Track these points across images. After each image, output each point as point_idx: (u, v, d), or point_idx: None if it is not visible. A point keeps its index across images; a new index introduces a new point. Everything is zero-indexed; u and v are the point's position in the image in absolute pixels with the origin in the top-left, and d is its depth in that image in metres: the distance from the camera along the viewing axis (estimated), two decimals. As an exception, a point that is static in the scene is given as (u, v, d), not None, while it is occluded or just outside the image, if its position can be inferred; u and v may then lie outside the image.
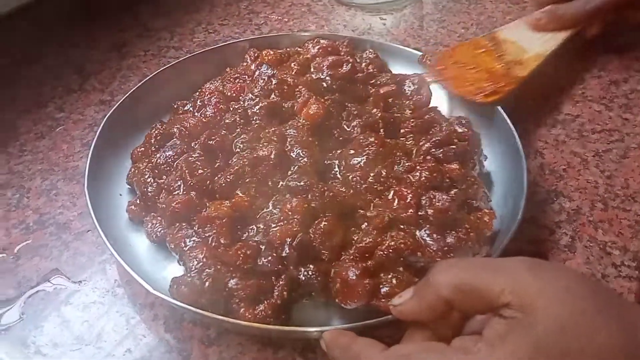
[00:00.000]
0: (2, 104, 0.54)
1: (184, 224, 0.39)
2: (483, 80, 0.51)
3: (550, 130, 0.50)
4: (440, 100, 0.49)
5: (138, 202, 0.42)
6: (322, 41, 0.52)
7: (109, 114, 0.46)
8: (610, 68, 0.56)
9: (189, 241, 0.38)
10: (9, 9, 0.63)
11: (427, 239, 0.37)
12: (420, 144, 0.43)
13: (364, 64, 0.51)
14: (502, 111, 0.46)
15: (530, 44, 0.53)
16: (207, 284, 0.35)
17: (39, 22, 0.63)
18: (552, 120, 0.51)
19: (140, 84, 0.49)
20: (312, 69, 0.49)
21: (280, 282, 0.36)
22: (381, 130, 0.44)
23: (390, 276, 0.36)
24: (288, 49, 0.53)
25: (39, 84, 0.56)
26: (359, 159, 0.41)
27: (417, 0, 0.66)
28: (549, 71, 0.52)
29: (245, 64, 0.52)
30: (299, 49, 0.53)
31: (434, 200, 0.38)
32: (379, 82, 0.49)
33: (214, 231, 0.37)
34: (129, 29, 0.63)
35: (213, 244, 0.37)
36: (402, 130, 0.45)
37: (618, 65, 0.57)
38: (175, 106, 0.49)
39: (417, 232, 0.37)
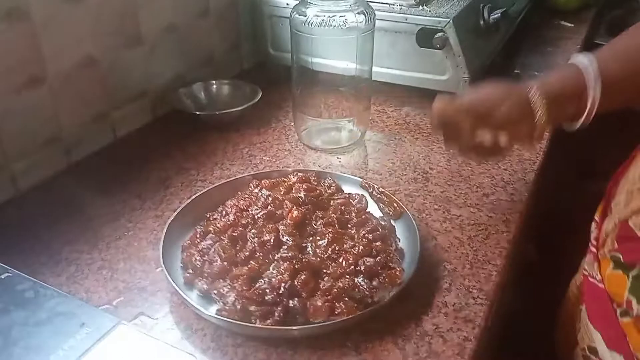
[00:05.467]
0: (93, 217, 0.82)
1: (221, 281, 0.66)
2: None
3: (442, 225, 0.80)
4: (372, 207, 0.79)
5: (190, 272, 0.69)
6: (299, 174, 0.83)
7: (167, 225, 0.74)
8: (482, 181, 0.88)
9: (226, 288, 0.65)
10: (89, 152, 0.95)
11: (361, 283, 0.65)
12: (360, 232, 0.72)
13: (325, 187, 0.82)
14: (410, 214, 0.76)
15: None
16: (238, 307, 0.62)
17: (112, 164, 0.94)
18: (443, 218, 0.81)
19: (182, 206, 0.78)
20: (293, 191, 0.79)
21: (279, 309, 0.63)
22: (336, 225, 0.74)
23: (340, 303, 0.63)
24: (277, 179, 0.84)
25: (115, 206, 0.84)
26: (323, 242, 0.70)
27: (361, 146, 0.99)
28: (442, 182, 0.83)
29: (250, 189, 0.82)
30: (284, 179, 0.83)
31: (365, 262, 0.67)
32: (335, 197, 0.80)
33: (239, 282, 0.65)
34: (170, 169, 0.93)
35: (239, 289, 0.64)
36: (349, 225, 0.74)
37: (490, 177, 0.88)
38: (207, 216, 0.78)
39: (356, 279, 0.65)
